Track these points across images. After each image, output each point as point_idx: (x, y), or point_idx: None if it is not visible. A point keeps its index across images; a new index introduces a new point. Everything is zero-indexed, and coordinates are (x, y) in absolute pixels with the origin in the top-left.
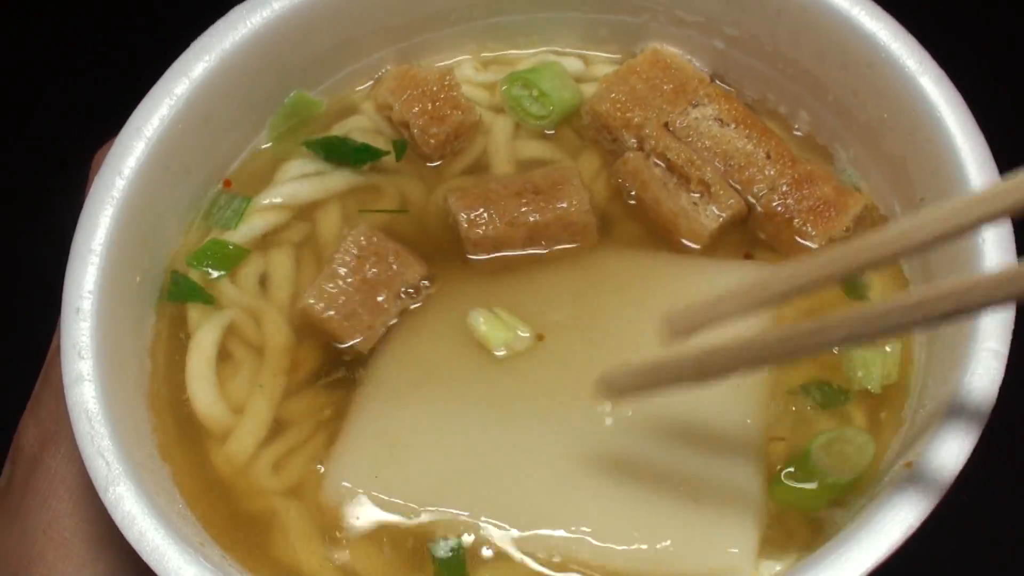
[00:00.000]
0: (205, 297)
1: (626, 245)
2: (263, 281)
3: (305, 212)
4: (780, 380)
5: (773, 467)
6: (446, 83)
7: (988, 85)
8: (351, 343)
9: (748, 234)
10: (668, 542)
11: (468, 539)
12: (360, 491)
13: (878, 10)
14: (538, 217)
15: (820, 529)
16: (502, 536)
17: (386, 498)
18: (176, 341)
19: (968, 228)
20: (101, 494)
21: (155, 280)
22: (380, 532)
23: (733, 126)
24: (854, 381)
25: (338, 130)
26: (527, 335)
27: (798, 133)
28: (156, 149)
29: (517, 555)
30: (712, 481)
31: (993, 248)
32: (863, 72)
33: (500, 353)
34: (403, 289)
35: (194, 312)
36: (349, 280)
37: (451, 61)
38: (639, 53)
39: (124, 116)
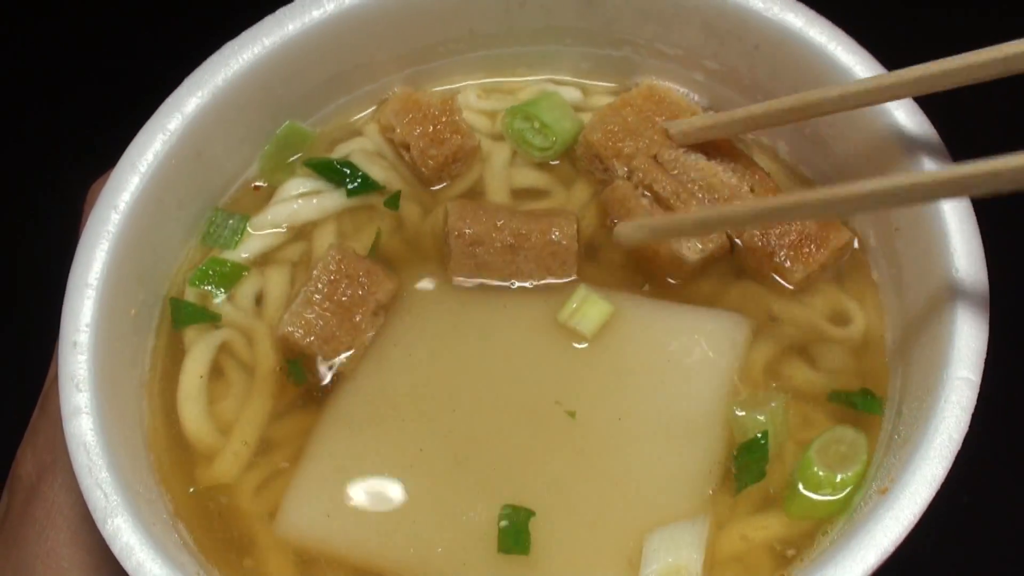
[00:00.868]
0: (209, 317)
1: (609, 273)
2: (259, 299)
3: (303, 232)
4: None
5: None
6: (448, 107)
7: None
8: (332, 365)
9: (731, 267)
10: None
11: None
12: (310, 529)
13: (854, 44)
14: (523, 228)
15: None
16: None
17: (337, 539)
18: (172, 372)
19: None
20: (100, 526)
21: (150, 313)
22: (337, 565)
23: (719, 159)
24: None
25: (340, 151)
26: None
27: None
28: (150, 183)
29: None
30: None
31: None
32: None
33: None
34: (376, 307)
35: (190, 331)
36: (325, 305)
37: (453, 86)
38: (633, 87)
39: (118, 151)
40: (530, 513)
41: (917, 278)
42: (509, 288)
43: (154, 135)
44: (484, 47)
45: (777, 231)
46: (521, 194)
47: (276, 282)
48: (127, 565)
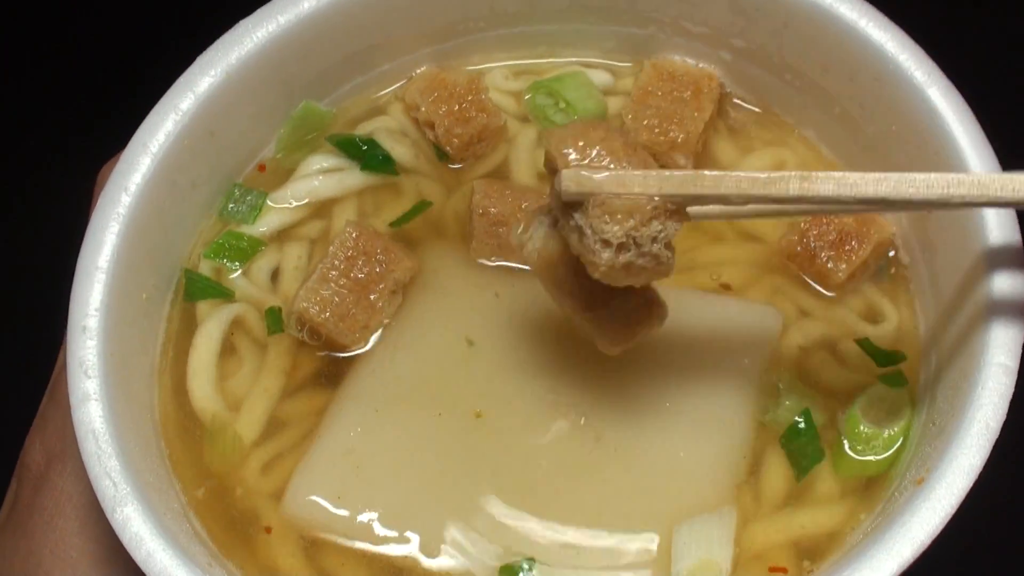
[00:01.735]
0: (223, 292)
1: None
2: (275, 276)
3: (323, 209)
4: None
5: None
6: (474, 86)
7: (997, 95)
8: (348, 344)
9: (763, 259)
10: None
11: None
12: (319, 511)
13: (885, 21)
14: None
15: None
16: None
17: (346, 520)
18: (184, 357)
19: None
20: (108, 515)
21: (162, 297)
22: (346, 549)
23: None
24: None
25: (363, 129)
26: None
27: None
28: (162, 165)
29: None
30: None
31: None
32: (870, 84)
33: None
34: (395, 286)
35: (203, 305)
36: (341, 282)
37: (476, 67)
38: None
39: (129, 131)
40: (531, 560)
41: (951, 263)
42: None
43: (166, 115)
44: (505, 25)
45: (815, 231)
46: (547, 177)
47: (293, 258)
48: (136, 556)
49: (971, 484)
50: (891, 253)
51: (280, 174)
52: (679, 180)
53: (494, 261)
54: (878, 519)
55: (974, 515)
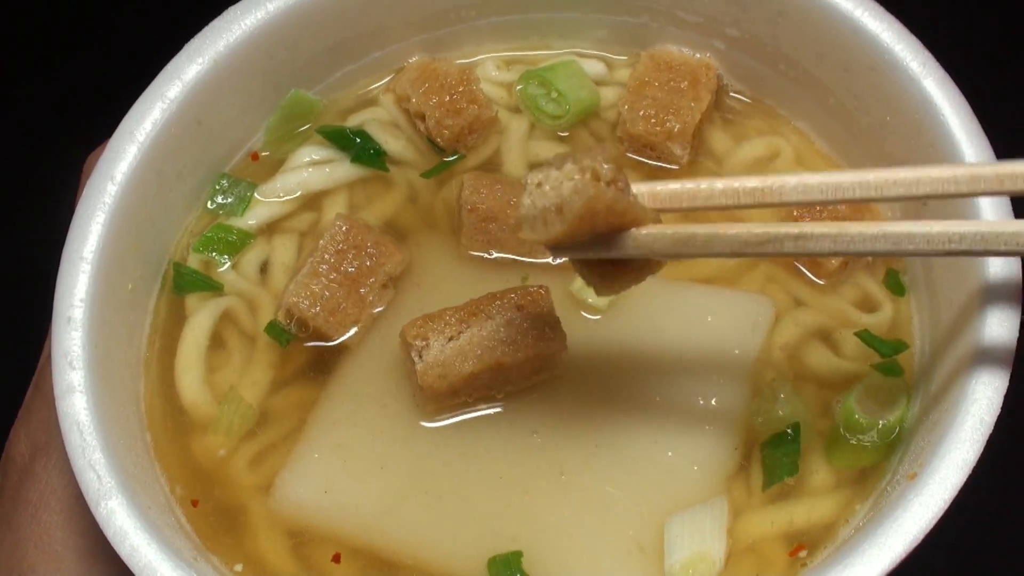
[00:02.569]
0: (212, 285)
1: None
2: (264, 269)
3: (313, 201)
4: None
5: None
6: (465, 77)
7: (992, 86)
8: (338, 338)
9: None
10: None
11: None
12: (307, 505)
13: (881, 11)
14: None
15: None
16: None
17: (333, 516)
18: (171, 348)
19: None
20: (92, 508)
21: (148, 288)
22: (334, 542)
23: None
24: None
25: (354, 120)
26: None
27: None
28: (149, 154)
29: None
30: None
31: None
32: (865, 74)
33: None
34: (385, 279)
35: (192, 297)
36: (332, 276)
37: (470, 59)
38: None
39: (116, 119)
40: (518, 554)
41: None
42: (522, 262)
43: (153, 103)
44: (497, 13)
45: (808, 219)
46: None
47: (282, 251)
48: (121, 550)
49: (964, 479)
50: None
51: (269, 165)
52: (670, 239)
53: (485, 254)
54: (871, 512)
55: (967, 510)
